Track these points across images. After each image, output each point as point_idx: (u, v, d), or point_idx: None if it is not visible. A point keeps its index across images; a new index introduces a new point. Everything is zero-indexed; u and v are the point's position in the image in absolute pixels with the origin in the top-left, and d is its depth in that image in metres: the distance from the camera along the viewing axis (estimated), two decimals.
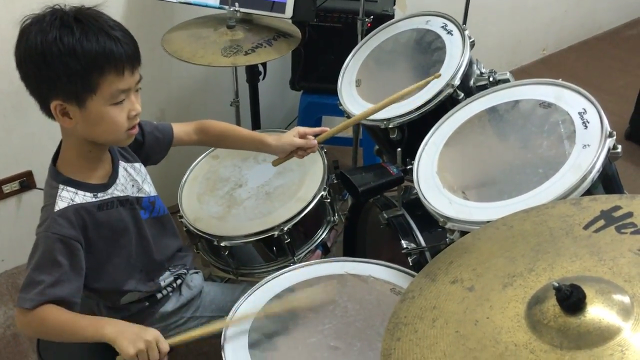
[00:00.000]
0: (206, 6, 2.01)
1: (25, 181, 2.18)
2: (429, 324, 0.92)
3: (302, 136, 1.45)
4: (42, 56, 1.08)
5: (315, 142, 1.45)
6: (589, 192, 1.14)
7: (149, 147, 1.41)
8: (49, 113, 1.15)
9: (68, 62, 1.07)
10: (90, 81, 1.10)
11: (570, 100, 1.30)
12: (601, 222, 0.95)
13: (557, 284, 0.80)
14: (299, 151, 1.46)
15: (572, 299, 0.79)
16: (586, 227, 0.96)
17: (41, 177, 2.18)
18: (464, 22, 2.15)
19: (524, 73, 3.37)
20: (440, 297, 0.96)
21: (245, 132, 1.52)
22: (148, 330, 1.14)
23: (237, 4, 1.96)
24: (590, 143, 1.19)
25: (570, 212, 1.00)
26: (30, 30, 1.10)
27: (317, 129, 1.47)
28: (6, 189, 2.17)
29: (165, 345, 1.14)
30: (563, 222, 0.99)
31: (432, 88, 1.52)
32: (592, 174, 1.14)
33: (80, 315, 1.17)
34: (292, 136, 1.45)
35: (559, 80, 1.35)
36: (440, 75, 1.46)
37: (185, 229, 1.64)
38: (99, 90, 1.11)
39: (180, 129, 1.47)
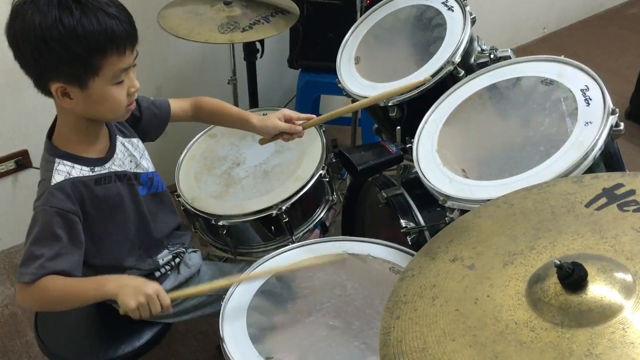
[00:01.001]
0: None
1: (21, 160, 2.17)
2: (428, 303, 0.91)
3: (288, 120, 1.42)
4: (42, 39, 1.06)
5: (300, 129, 1.42)
6: (590, 170, 1.13)
7: (147, 122, 1.40)
8: (45, 92, 1.14)
9: (70, 45, 1.05)
10: (93, 63, 1.08)
11: (573, 78, 1.28)
12: (603, 200, 0.94)
13: (558, 262, 0.79)
14: (284, 135, 1.44)
15: (573, 277, 0.78)
16: (588, 205, 0.94)
17: (37, 156, 2.16)
18: None
19: (523, 51, 3.31)
20: (440, 276, 0.95)
21: (234, 110, 1.50)
22: (148, 283, 1.15)
23: None
24: (593, 120, 1.17)
25: (572, 190, 0.99)
26: (25, 10, 1.07)
27: (303, 115, 1.44)
28: (2, 168, 2.15)
29: (166, 298, 1.15)
30: (565, 200, 0.97)
31: (432, 65, 1.50)
32: (594, 151, 1.13)
33: (79, 278, 1.17)
34: (277, 119, 1.41)
35: (561, 57, 1.33)
36: (430, 78, 1.44)
37: (182, 208, 1.63)
38: (101, 71, 1.10)
39: (176, 105, 1.46)
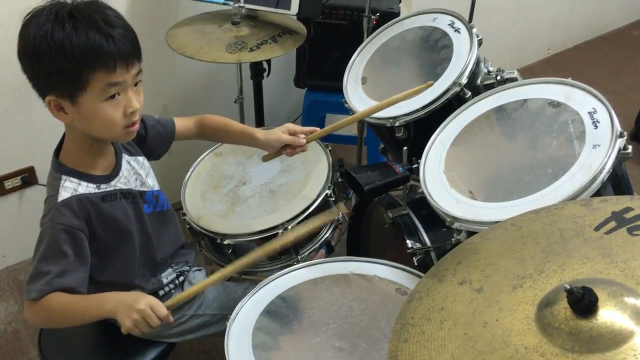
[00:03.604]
0: (211, 2, 2.00)
1: (27, 177, 2.17)
2: (436, 326, 0.90)
3: (292, 134, 1.43)
4: (34, 52, 1.08)
5: (304, 141, 1.43)
6: (598, 193, 1.13)
7: (152, 140, 1.41)
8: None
9: (56, 58, 1.07)
10: (80, 78, 1.09)
11: (580, 100, 1.28)
12: (612, 224, 0.93)
13: (568, 286, 0.78)
14: (288, 149, 1.44)
15: (583, 302, 0.77)
16: (597, 229, 0.94)
17: (43, 173, 2.17)
18: (470, 20, 2.14)
19: (529, 72, 3.35)
20: (448, 298, 0.94)
21: (238, 126, 1.50)
22: (140, 298, 1.14)
23: (242, 0, 1.95)
24: (601, 143, 1.17)
25: (580, 213, 0.99)
26: (29, 24, 1.10)
27: (307, 128, 1.44)
28: (8, 184, 2.15)
29: (161, 309, 1.14)
30: (573, 223, 0.97)
31: (439, 86, 1.51)
32: (602, 174, 1.12)
33: (81, 296, 1.17)
34: (281, 132, 1.42)
35: (569, 80, 1.33)
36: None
37: (188, 226, 1.63)
38: (89, 86, 1.10)
39: (181, 123, 1.47)
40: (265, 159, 1.50)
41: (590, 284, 0.79)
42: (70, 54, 1.06)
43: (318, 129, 1.45)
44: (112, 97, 1.12)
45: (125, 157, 1.32)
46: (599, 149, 1.17)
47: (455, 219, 1.24)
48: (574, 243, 0.93)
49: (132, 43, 1.13)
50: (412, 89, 1.37)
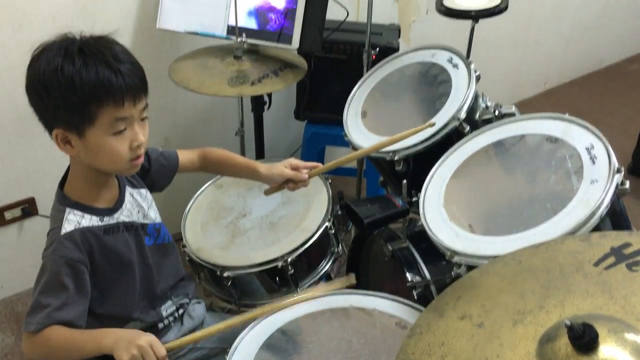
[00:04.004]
0: (213, 36, 2.03)
1: (27, 208, 2.17)
2: None
3: (294, 168, 1.44)
4: (43, 86, 1.10)
5: (306, 176, 1.44)
6: (597, 227, 1.14)
7: (155, 173, 1.42)
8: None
9: (66, 93, 1.08)
10: (89, 112, 1.10)
11: (577, 136, 1.30)
12: (612, 259, 0.94)
13: (569, 322, 0.78)
14: (290, 183, 1.45)
15: (584, 338, 0.78)
16: (597, 264, 0.95)
17: (44, 204, 2.18)
18: (468, 55, 2.17)
19: (526, 106, 3.39)
20: (448, 333, 0.94)
21: (240, 159, 1.52)
22: (142, 336, 1.13)
23: (244, 35, 1.98)
24: (598, 179, 1.19)
25: (580, 248, 0.99)
26: (38, 58, 1.12)
27: (309, 164, 1.46)
28: (8, 215, 2.15)
29: (160, 349, 1.12)
30: (573, 259, 0.98)
31: (439, 121, 1.53)
32: (600, 209, 1.14)
33: (80, 331, 1.17)
34: (283, 167, 1.44)
35: (566, 115, 1.36)
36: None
37: (188, 258, 1.63)
38: (97, 121, 1.11)
39: (184, 156, 1.48)
40: (267, 192, 1.51)
41: (591, 320, 0.79)
42: (79, 89, 1.08)
43: (320, 164, 1.46)
44: (120, 131, 1.14)
45: (129, 190, 1.33)
46: (597, 185, 1.18)
47: (455, 252, 1.25)
48: (574, 278, 0.94)
49: (140, 78, 1.15)
50: (414, 127, 1.40)
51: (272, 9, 1.99)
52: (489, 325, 0.92)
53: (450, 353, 0.90)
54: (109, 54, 1.11)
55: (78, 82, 1.08)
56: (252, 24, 2.01)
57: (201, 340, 1.23)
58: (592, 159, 1.23)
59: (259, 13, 2.01)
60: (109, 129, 1.13)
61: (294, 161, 1.46)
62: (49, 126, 1.15)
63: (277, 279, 1.60)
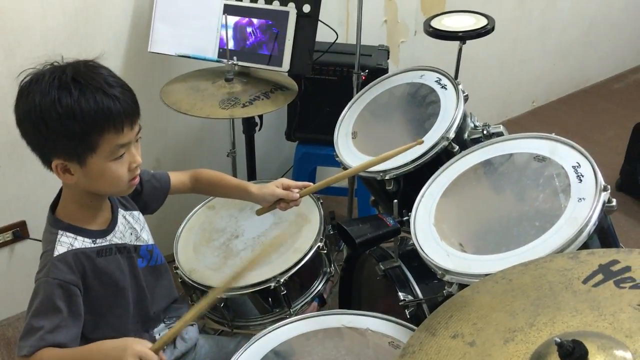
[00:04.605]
0: (204, 59, 2.05)
1: (19, 231, 2.16)
2: None
3: (286, 188, 1.45)
4: (41, 118, 1.09)
5: (298, 196, 1.45)
6: (585, 245, 1.15)
7: (147, 195, 1.42)
8: (50, 169, 1.16)
9: (67, 124, 1.09)
10: (90, 141, 1.11)
11: (564, 155, 1.32)
12: (600, 277, 0.95)
13: (559, 340, 0.79)
14: (281, 203, 1.46)
15: (574, 355, 0.79)
16: (585, 281, 0.96)
17: (35, 227, 2.17)
18: (456, 76, 2.21)
19: (514, 124, 3.43)
20: (441, 352, 0.95)
21: (232, 180, 1.53)
22: (128, 349, 1.10)
23: (235, 58, 2.00)
24: (586, 196, 1.21)
25: (568, 265, 1.01)
26: (29, 90, 1.11)
27: (300, 183, 1.47)
28: None
29: (151, 358, 1.10)
30: (562, 276, 0.99)
31: (428, 141, 1.55)
32: (588, 227, 1.15)
33: (72, 349, 1.15)
34: (275, 187, 1.45)
35: (552, 135, 1.38)
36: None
37: (180, 280, 1.63)
38: (99, 148, 1.12)
39: (176, 178, 1.49)
40: (259, 212, 1.51)
41: (580, 337, 0.81)
42: (80, 119, 1.08)
43: (311, 184, 1.48)
44: (120, 156, 1.15)
45: (121, 212, 1.33)
46: (584, 203, 1.20)
47: (447, 271, 1.26)
48: (563, 296, 0.95)
49: (133, 100, 1.16)
50: (403, 145, 1.41)
51: (250, 23, 2.01)
52: (481, 344, 0.93)
53: None
54: (102, 80, 1.12)
55: (78, 112, 1.08)
56: (230, 44, 2.02)
57: (182, 328, 1.18)
58: (579, 177, 1.25)
59: (238, 29, 2.02)
60: (110, 155, 1.14)
61: (285, 181, 1.47)
62: (47, 157, 1.15)
63: (270, 299, 1.60)
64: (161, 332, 1.40)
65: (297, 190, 1.46)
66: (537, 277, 1.01)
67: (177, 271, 1.63)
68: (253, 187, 1.47)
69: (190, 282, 1.61)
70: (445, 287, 1.28)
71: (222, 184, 1.52)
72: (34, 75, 1.12)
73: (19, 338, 1.15)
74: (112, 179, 1.17)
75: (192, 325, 1.50)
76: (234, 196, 1.55)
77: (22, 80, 1.13)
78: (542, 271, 1.02)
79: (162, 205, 1.48)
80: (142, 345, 1.12)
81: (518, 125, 3.43)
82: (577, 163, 1.28)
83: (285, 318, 1.45)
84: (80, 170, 1.15)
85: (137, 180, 1.23)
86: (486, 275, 1.13)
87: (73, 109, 1.08)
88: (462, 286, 1.22)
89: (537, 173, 1.34)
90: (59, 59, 1.15)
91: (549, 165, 1.33)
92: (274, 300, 1.60)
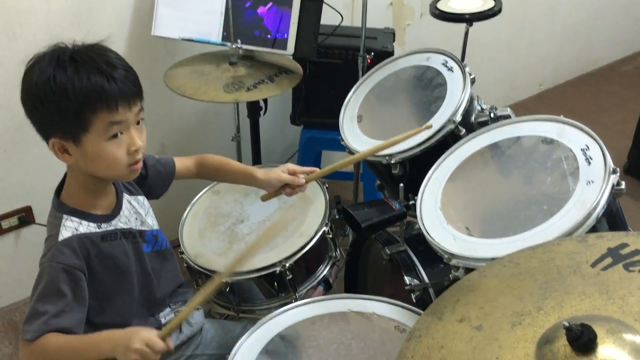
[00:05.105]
0: (208, 43, 2.04)
1: (25, 216, 2.17)
2: None
3: (292, 173, 1.44)
4: (37, 95, 1.10)
5: (304, 181, 1.44)
6: (594, 229, 1.14)
7: (152, 180, 1.42)
8: None
9: (59, 101, 1.09)
10: (83, 119, 1.10)
11: (572, 137, 1.30)
12: (608, 260, 0.94)
13: (567, 324, 0.79)
14: (287, 188, 1.45)
15: (582, 339, 0.78)
16: (594, 265, 0.95)
17: (40, 212, 2.18)
18: (462, 58, 2.18)
19: (521, 108, 3.40)
20: (447, 337, 0.94)
21: (237, 165, 1.52)
22: (134, 337, 1.10)
23: (239, 41, 1.98)
24: (594, 179, 1.19)
25: (576, 249, 1.00)
26: (31, 70, 1.12)
27: (306, 168, 1.46)
28: (5, 224, 2.15)
29: (157, 344, 1.10)
30: (570, 260, 0.98)
31: (434, 124, 1.53)
32: (597, 210, 1.14)
33: (78, 337, 1.15)
34: (280, 172, 1.44)
35: (560, 117, 1.36)
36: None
37: (185, 265, 1.63)
38: (91, 127, 1.11)
39: (181, 163, 1.48)
40: (264, 198, 1.51)
41: (589, 320, 0.80)
42: (72, 97, 1.08)
43: (317, 169, 1.46)
44: (115, 136, 1.14)
45: (126, 197, 1.32)
46: (593, 185, 1.18)
47: (453, 255, 1.25)
48: (572, 280, 0.94)
49: (133, 82, 1.15)
50: (410, 130, 1.40)
51: (254, 6, 1.97)
52: (488, 328, 0.92)
53: (450, 356, 0.90)
54: (102, 60, 1.11)
55: (71, 90, 1.08)
56: (233, 28, 1.98)
57: (189, 314, 1.19)
58: (588, 160, 1.23)
59: (241, 11, 1.99)
60: (104, 133, 1.12)
61: (291, 166, 1.46)
62: (46, 136, 1.15)
63: (276, 284, 1.59)
64: (167, 316, 1.40)
65: (303, 175, 1.44)
66: (545, 260, 1.00)
67: (183, 256, 1.63)
68: (258, 172, 1.47)
69: (196, 267, 1.60)
70: (452, 271, 1.27)
71: (227, 169, 1.51)
72: (38, 55, 1.13)
73: (23, 322, 1.15)
74: (108, 161, 1.15)
75: (197, 309, 1.50)
76: (239, 181, 1.54)
77: (29, 62, 1.13)
78: (550, 255, 1.01)
79: (167, 191, 1.48)
80: (148, 332, 1.12)
81: (525, 108, 3.40)
82: (586, 145, 1.26)
83: (291, 302, 1.45)
84: (77, 150, 1.14)
85: (139, 166, 1.21)
86: (493, 259, 1.12)
87: (66, 86, 1.08)
88: (468, 270, 1.21)
89: (545, 156, 1.32)
90: (68, 42, 1.14)
91: (557, 148, 1.31)
92: (279, 285, 1.60)
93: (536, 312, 0.90)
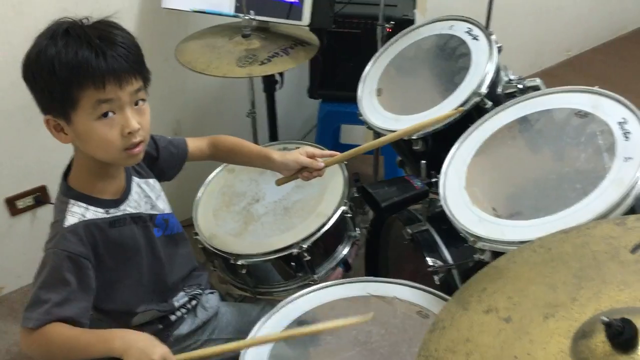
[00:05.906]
0: (220, 14, 1.96)
1: (40, 196, 2.15)
2: (462, 359, 0.84)
3: (310, 156, 1.38)
4: (30, 71, 1.07)
5: (322, 164, 1.38)
6: (632, 210, 1.06)
7: (164, 162, 1.37)
8: None
9: (46, 76, 1.05)
10: (70, 95, 1.05)
11: (609, 110, 1.21)
12: None
13: (606, 319, 0.72)
14: (304, 172, 1.39)
15: (624, 336, 0.71)
16: (633, 251, 0.88)
17: (55, 191, 2.13)
18: (487, 25, 2.08)
19: (547, 76, 3.27)
20: (473, 328, 0.88)
21: (253, 147, 1.47)
22: (155, 348, 1.06)
23: (252, 12, 1.91)
24: (633, 156, 1.11)
25: (614, 233, 0.92)
26: (33, 44, 1.08)
27: (326, 152, 1.41)
28: (20, 204, 2.13)
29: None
30: (607, 245, 0.91)
31: (458, 97, 1.45)
32: (635, 189, 1.06)
33: (87, 330, 1.12)
34: (299, 154, 1.38)
35: (596, 88, 1.27)
36: (462, 109, 1.39)
37: (200, 246, 1.58)
38: (79, 104, 1.06)
39: (193, 144, 1.43)
40: (279, 182, 1.45)
41: (630, 314, 0.73)
42: (58, 71, 1.04)
43: (338, 153, 1.40)
44: (105, 115, 1.07)
45: (136, 180, 1.28)
46: (632, 162, 1.10)
47: (479, 238, 1.18)
48: (609, 267, 0.87)
49: (129, 60, 1.07)
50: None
51: None
52: (518, 320, 0.86)
53: (476, 350, 0.85)
54: (96, 35, 1.05)
55: (57, 64, 1.03)
56: None
57: (214, 355, 1.15)
58: (625, 135, 1.15)
59: None
60: (92, 112, 1.06)
61: (310, 149, 1.40)
62: (44, 113, 1.11)
63: (293, 265, 1.55)
64: (180, 300, 1.37)
65: (322, 159, 1.38)
66: (580, 245, 0.93)
67: (197, 237, 1.59)
68: (275, 154, 1.40)
69: (211, 248, 1.56)
70: (477, 254, 1.20)
71: (242, 150, 1.45)
72: (43, 31, 1.08)
73: (24, 309, 1.11)
74: (99, 142, 1.09)
75: (212, 293, 1.47)
76: (254, 164, 1.48)
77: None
78: (585, 239, 0.94)
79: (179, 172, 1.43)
80: (167, 349, 1.07)
81: (551, 76, 3.27)
82: (623, 119, 1.17)
83: (309, 285, 1.40)
84: (69, 128, 1.09)
85: (138, 150, 1.13)
86: (522, 242, 1.05)
87: (53, 60, 1.04)
88: (495, 254, 1.14)
89: (578, 130, 1.23)
90: (70, 17, 1.09)
91: (591, 122, 1.22)
92: (297, 267, 1.55)
93: (570, 303, 0.84)
